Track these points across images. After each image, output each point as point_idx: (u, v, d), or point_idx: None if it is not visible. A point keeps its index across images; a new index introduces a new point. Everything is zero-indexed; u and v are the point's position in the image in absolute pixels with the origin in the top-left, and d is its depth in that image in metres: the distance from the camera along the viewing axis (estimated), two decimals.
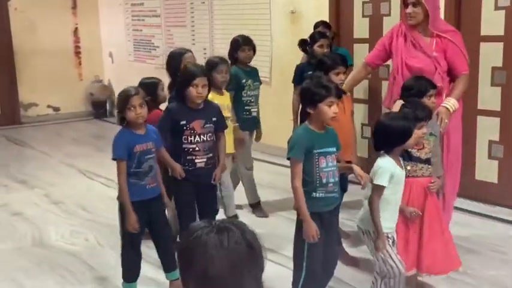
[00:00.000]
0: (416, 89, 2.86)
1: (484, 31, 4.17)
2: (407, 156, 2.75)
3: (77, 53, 8.81)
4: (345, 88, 3.32)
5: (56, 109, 8.75)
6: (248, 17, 6.16)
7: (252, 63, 4.47)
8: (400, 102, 2.74)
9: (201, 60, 6.88)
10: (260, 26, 6.03)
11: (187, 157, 3.07)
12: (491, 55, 4.14)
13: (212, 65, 3.64)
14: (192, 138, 3.05)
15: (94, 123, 8.65)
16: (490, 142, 4.25)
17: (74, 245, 3.91)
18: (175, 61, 3.53)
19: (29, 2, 8.12)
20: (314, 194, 2.55)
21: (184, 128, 3.03)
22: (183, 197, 3.19)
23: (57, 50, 8.45)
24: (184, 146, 3.05)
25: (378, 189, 2.55)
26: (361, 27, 5.10)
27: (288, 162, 2.58)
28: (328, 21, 5.09)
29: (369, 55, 3.55)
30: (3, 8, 8.03)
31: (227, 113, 3.67)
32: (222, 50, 6.70)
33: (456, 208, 3.78)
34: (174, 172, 3.09)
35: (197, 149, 3.08)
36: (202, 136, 3.07)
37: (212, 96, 3.57)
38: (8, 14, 8.08)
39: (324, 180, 2.55)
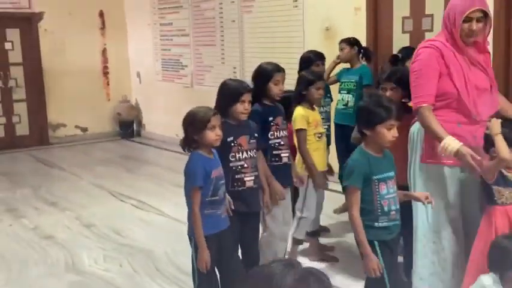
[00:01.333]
0: None
1: None
2: (503, 182, 2.48)
3: (105, 73, 8.79)
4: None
5: (84, 129, 8.70)
6: (280, 34, 6.04)
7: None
8: (497, 121, 2.46)
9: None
10: (293, 44, 5.90)
11: (236, 176, 2.88)
12: None
13: (309, 81, 3.51)
14: (240, 154, 2.88)
15: (121, 144, 8.58)
16: None
17: (108, 271, 3.75)
18: (266, 75, 3.24)
19: (58, 23, 8.14)
20: (376, 223, 2.37)
21: (232, 144, 2.86)
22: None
23: (85, 70, 8.44)
24: (232, 164, 2.87)
25: None
26: (401, 44, 4.91)
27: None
28: (366, 37, 4.96)
29: (428, 95, 2.65)
30: (33, 29, 8.06)
31: (321, 128, 3.60)
32: (253, 68, 6.63)
33: None
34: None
35: (246, 165, 2.90)
36: (249, 152, 2.92)
37: (305, 113, 3.50)
38: (38, 35, 8.10)
39: (386, 208, 2.36)
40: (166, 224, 4.67)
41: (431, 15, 4.64)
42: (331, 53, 5.37)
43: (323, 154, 3.64)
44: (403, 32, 4.91)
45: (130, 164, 7.13)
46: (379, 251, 2.36)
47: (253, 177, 2.94)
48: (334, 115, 4.55)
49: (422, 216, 2.72)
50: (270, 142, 3.15)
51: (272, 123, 3.16)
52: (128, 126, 8.90)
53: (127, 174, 6.54)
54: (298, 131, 3.45)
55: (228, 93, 2.90)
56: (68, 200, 5.41)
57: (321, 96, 3.60)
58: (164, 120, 8.21)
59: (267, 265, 1.22)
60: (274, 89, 3.15)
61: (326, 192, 4.48)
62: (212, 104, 2.86)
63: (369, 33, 5.07)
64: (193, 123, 2.59)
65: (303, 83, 3.52)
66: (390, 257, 2.38)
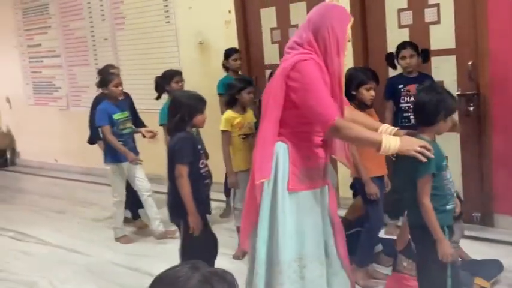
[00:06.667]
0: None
1: None
2: None
3: None
4: None
5: None
6: (155, 50, 6.04)
7: (163, 96, 4.49)
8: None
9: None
10: (168, 59, 5.92)
11: (205, 181, 3.08)
12: None
13: (241, 87, 3.86)
14: (204, 160, 3.12)
15: None
16: None
17: None
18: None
19: None
20: (448, 206, 2.41)
21: (201, 152, 3.11)
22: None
23: None
24: (202, 171, 3.05)
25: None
26: (271, 54, 5.16)
27: None
28: (238, 48, 5.11)
29: (335, 106, 2.40)
30: None
31: (247, 130, 3.89)
32: (130, 85, 6.54)
33: None
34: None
35: (207, 169, 3.12)
36: None
37: (231, 115, 3.84)
38: None
39: (453, 191, 2.46)
40: (48, 253, 4.45)
41: (296, 25, 4.91)
42: (205, 66, 5.51)
43: (246, 154, 3.77)
44: (273, 42, 5.14)
45: (5, 195, 6.68)
46: (448, 236, 2.40)
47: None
48: None
49: (288, 242, 2.45)
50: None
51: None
52: (1, 156, 8.35)
53: (2, 205, 6.13)
54: (222, 132, 3.84)
55: (190, 105, 3.02)
56: None
57: (252, 99, 3.91)
58: (41, 146, 7.81)
59: (172, 268, 1.25)
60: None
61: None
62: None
63: (240, 45, 5.24)
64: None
65: (234, 88, 3.86)
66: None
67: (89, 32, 6.82)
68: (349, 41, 2.48)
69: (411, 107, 3.73)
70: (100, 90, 4.62)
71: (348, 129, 2.34)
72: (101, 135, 4.44)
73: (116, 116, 4.33)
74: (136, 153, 4.44)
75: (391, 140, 2.31)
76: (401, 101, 3.98)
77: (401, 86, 3.98)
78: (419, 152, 2.27)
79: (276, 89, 2.44)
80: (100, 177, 6.11)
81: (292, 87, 2.37)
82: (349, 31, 2.46)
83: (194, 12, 5.60)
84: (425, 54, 3.99)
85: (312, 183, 2.48)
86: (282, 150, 2.46)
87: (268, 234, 2.47)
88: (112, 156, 4.38)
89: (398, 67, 4.08)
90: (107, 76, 4.42)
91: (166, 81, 4.44)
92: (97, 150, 4.86)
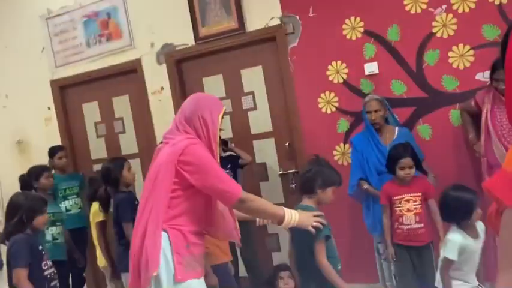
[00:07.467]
0: None
1: None
2: None
3: None
4: None
5: None
6: None
7: None
8: None
9: None
10: None
11: (51, 283, 2.97)
12: None
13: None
14: (47, 261, 2.98)
15: None
16: None
17: None
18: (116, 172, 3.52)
19: None
20: (339, 266, 2.69)
21: (43, 252, 2.97)
22: None
23: None
24: (45, 273, 2.94)
25: (447, 262, 2.80)
26: (97, 148, 5.05)
27: None
28: (61, 145, 4.93)
29: (237, 183, 2.50)
30: None
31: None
32: None
33: None
34: None
35: (54, 271, 3.03)
36: None
37: None
38: None
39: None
40: None
41: (121, 118, 4.92)
42: (25, 165, 5.16)
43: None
44: (98, 136, 5.06)
45: None
46: None
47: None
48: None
49: None
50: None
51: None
52: None
53: None
54: (97, 223, 3.84)
55: (29, 207, 2.97)
56: None
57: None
58: None
59: None
60: None
61: None
62: None
63: (63, 141, 5.04)
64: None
65: (96, 183, 3.87)
66: None
67: None
68: (221, 129, 2.60)
69: None
70: None
71: (253, 201, 2.44)
72: None
73: None
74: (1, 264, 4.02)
75: (293, 213, 2.46)
76: None
77: None
78: (314, 226, 2.50)
79: (165, 175, 2.39)
80: None
81: (188, 171, 2.36)
82: (221, 120, 2.54)
83: (10, 110, 5.30)
84: (224, 144, 4.15)
85: (197, 272, 2.41)
86: (164, 240, 2.36)
87: None
88: None
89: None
90: None
91: (34, 177, 4.15)
92: None
